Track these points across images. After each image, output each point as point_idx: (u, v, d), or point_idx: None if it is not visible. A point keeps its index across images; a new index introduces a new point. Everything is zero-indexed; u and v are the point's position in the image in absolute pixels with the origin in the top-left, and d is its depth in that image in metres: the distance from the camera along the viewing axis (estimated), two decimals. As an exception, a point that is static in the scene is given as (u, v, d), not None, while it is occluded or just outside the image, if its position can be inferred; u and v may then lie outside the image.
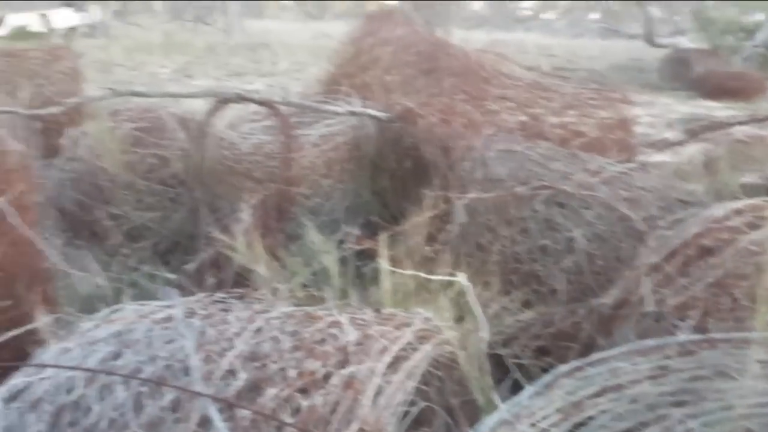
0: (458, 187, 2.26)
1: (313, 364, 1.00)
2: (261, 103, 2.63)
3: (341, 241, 1.97)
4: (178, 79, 8.45)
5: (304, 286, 1.63)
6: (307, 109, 2.93)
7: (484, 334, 1.44)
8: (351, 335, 1.07)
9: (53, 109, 2.93)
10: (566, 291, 1.83)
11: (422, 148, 2.68)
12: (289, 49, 11.57)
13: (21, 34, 11.88)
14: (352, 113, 2.83)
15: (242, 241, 1.89)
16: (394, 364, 1.05)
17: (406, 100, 3.00)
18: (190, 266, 2.07)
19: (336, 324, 1.10)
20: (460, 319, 1.51)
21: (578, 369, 1.03)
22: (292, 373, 0.97)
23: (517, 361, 1.55)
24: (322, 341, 1.06)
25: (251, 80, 8.65)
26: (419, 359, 1.08)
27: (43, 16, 12.84)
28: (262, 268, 1.64)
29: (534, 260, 1.98)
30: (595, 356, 1.04)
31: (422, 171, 2.65)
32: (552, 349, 1.60)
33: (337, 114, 2.82)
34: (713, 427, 0.96)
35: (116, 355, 1.03)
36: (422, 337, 1.15)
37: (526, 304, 1.81)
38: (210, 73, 9.01)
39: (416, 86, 3.46)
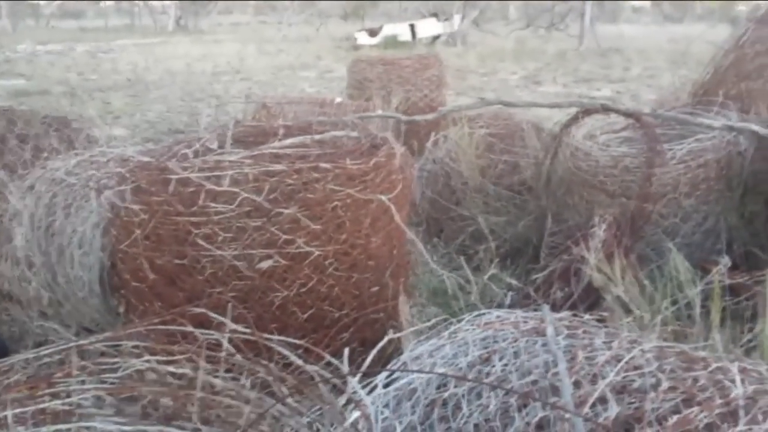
0: None
1: (695, 412, 0.90)
2: (626, 114, 2.51)
3: (704, 270, 1.77)
4: (526, 86, 8.61)
5: (667, 317, 1.50)
6: (675, 121, 2.71)
7: None
8: (740, 387, 0.94)
9: (430, 116, 3.19)
10: None
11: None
12: (642, 54, 11.00)
13: (391, 42, 13.36)
14: (730, 128, 2.54)
15: (596, 257, 1.82)
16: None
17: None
18: (538, 275, 2.07)
19: (721, 371, 0.98)
20: None
21: None
22: (670, 417, 0.89)
23: None
24: (705, 388, 0.95)
25: (599, 86, 8.42)
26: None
27: (412, 26, 14.23)
28: (620, 290, 1.56)
29: None
30: None
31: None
32: None
33: (712, 128, 2.55)
34: None
35: (485, 361, 1.06)
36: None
37: None
38: (558, 79, 9.01)
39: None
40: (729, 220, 2.54)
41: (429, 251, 2.59)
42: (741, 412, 0.91)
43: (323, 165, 1.68)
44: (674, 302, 1.56)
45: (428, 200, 3.16)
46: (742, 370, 1.01)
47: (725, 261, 1.75)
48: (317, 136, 2.04)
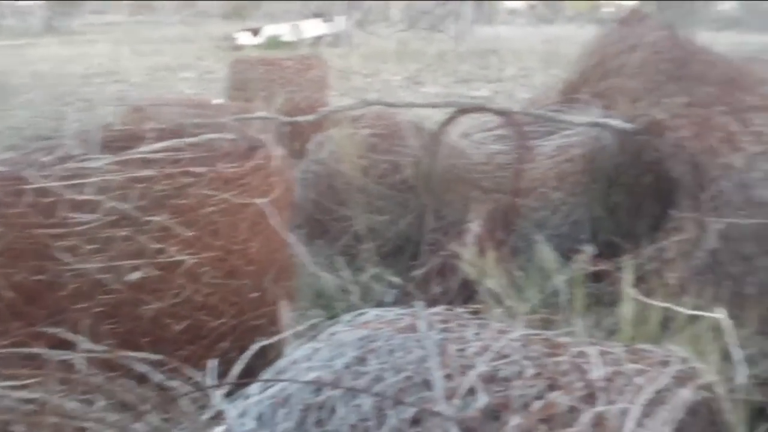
0: (711, 209, 2.04)
1: (558, 396, 0.94)
2: (498, 112, 2.61)
3: (569, 259, 1.87)
4: (408, 86, 8.77)
5: (536, 306, 1.57)
6: (544, 119, 2.85)
7: (743, 378, 1.28)
8: (600, 369, 1.00)
9: (310, 117, 3.18)
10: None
11: (668, 164, 2.47)
12: (517, 55, 11.47)
13: (274, 43, 13.21)
14: (594, 124, 2.70)
15: (471, 252, 1.88)
16: (650, 407, 0.96)
17: (654, 110, 2.79)
18: (417, 272, 2.11)
19: (582, 355, 1.03)
20: (713, 358, 1.36)
21: None
22: (537, 403, 0.92)
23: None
24: (567, 372, 1.00)
25: (478, 87, 8.71)
26: (677, 405, 0.98)
27: (295, 26, 14.13)
28: (492, 282, 1.61)
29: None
30: None
31: (665, 189, 2.44)
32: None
33: (575, 124, 2.70)
34: None
35: (361, 361, 1.06)
36: (680, 379, 1.04)
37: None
38: (439, 80, 9.24)
39: (665, 95, 3.20)
40: (595, 211, 2.69)
41: (312, 253, 2.58)
42: (599, 393, 0.96)
43: (196, 169, 1.63)
44: (543, 291, 1.64)
45: (311, 202, 3.15)
46: (601, 353, 1.07)
47: (589, 250, 1.85)
48: (191, 139, 1.98)
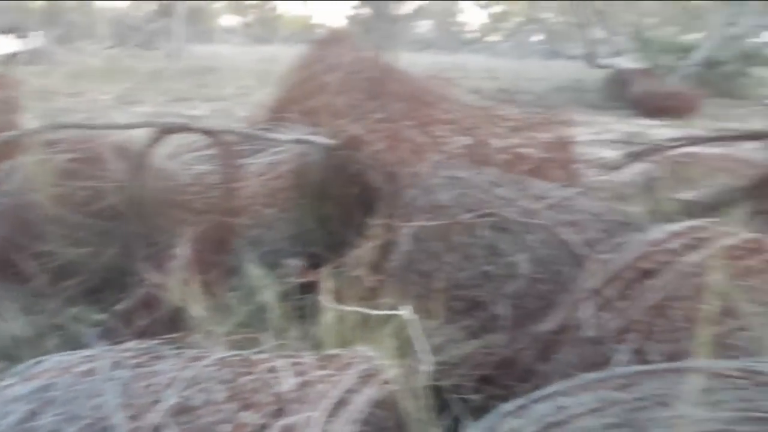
0: (403, 214, 2.24)
1: (248, 416, 0.95)
2: (203, 131, 2.57)
3: (283, 275, 1.92)
4: (119, 106, 8.27)
5: (243, 325, 1.57)
6: (251, 138, 2.88)
7: (428, 367, 1.41)
8: (289, 382, 1.03)
9: (-11, 144, 2.81)
10: (510, 317, 1.82)
11: (368, 175, 2.66)
12: (236, 73, 11.50)
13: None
14: (299, 141, 2.80)
15: (176, 279, 1.82)
16: (336, 410, 1.01)
17: (354, 126, 2.98)
18: (120, 307, 1.99)
19: (273, 369, 1.05)
20: (404, 352, 1.48)
21: (523, 407, 1.01)
22: (225, 427, 0.92)
23: (459, 393, 1.53)
24: (258, 390, 1.01)
25: (196, 105, 8.54)
26: (361, 403, 1.04)
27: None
28: (196, 309, 1.58)
29: (478, 287, 1.96)
30: (540, 393, 1.02)
31: (368, 198, 2.62)
32: (495, 378, 1.58)
33: (281, 142, 2.78)
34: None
35: (34, 415, 0.96)
36: (365, 378, 1.11)
37: (472, 332, 1.79)
38: (153, 99, 8.86)
39: (364, 112, 3.45)
40: (307, 224, 2.79)
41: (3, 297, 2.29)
42: (289, 406, 0.99)
43: None
44: (250, 310, 1.65)
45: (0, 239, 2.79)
46: (293, 365, 1.10)
47: (294, 263, 1.91)
48: None
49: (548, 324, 1.58)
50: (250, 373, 1.07)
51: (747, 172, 2.70)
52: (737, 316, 1.47)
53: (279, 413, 0.97)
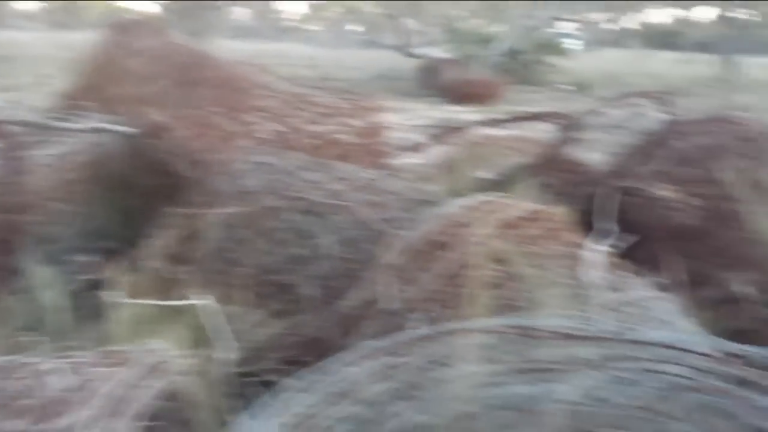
0: (208, 202, 2.17)
1: (11, 423, 0.87)
2: (-23, 122, 2.32)
3: (74, 273, 1.78)
4: None
5: (26, 328, 1.44)
6: (39, 127, 2.64)
7: (231, 354, 1.39)
8: (61, 382, 0.95)
9: None
10: (319, 298, 1.84)
11: (172, 163, 2.55)
12: (35, 61, 10.57)
13: None
14: (94, 130, 2.61)
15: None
16: (117, 406, 0.96)
17: (160, 113, 2.83)
18: None
19: (42, 373, 0.97)
20: (204, 341, 1.44)
21: (307, 380, 1.02)
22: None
23: (262, 377, 1.51)
24: (24, 394, 0.93)
25: (-12, 95, 7.70)
26: (145, 397, 1.00)
27: None
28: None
29: (288, 270, 1.96)
30: (324, 365, 1.04)
31: (173, 188, 2.52)
32: (301, 358, 1.59)
33: (75, 131, 2.58)
34: (439, 415, 1.00)
35: None
36: (151, 371, 1.06)
37: (280, 316, 1.78)
38: (-64, 89, 7.87)
39: (171, 99, 3.29)
40: (109, 217, 2.62)
41: None
42: (59, 407, 0.92)
43: None
44: (34, 311, 1.52)
45: None
46: (72, 365, 1.03)
47: (87, 259, 1.79)
48: None
49: (351, 300, 1.62)
50: (17, 378, 0.98)
51: (535, 151, 2.94)
52: (519, 279, 1.59)
53: (48, 417, 0.90)
